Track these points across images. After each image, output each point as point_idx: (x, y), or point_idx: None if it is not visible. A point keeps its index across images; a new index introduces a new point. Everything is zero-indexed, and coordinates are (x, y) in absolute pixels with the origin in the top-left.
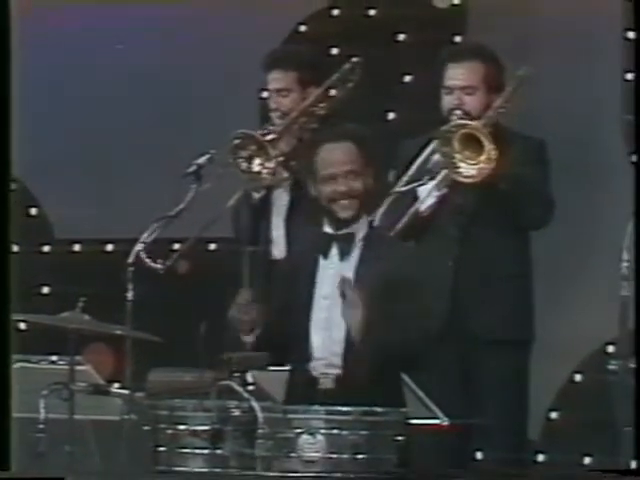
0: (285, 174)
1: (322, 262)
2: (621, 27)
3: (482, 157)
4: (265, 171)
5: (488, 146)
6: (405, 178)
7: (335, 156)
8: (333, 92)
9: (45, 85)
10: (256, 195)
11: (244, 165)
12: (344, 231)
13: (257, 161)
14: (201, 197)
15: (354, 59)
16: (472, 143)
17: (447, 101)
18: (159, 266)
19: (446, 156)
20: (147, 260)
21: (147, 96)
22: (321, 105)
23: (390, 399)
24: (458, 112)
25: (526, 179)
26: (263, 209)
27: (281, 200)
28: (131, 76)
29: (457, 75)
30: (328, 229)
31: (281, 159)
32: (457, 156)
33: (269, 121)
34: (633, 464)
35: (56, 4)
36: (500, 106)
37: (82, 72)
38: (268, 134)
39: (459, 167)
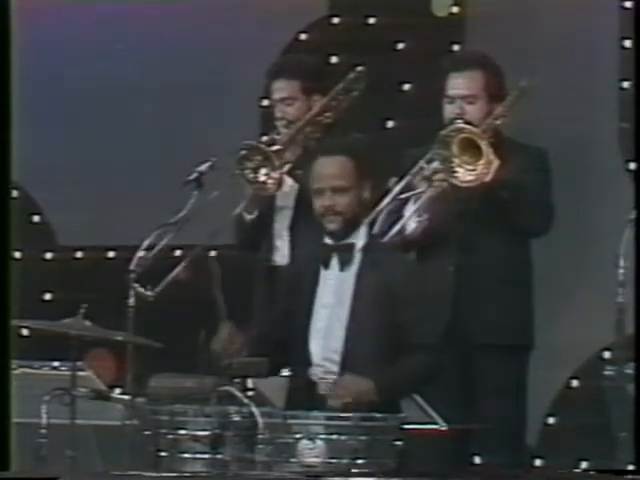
0: (290, 183)
1: (323, 272)
2: (618, 36)
3: (480, 162)
4: (270, 181)
5: (486, 151)
6: (404, 186)
7: (324, 170)
8: (337, 101)
9: (46, 91)
10: (258, 208)
11: (250, 175)
12: (344, 241)
13: (263, 171)
14: (204, 204)
15: (359, 68)
16: (471, 148)
17: (449, 110)
18: (149, 293)
19: (444, 160)
20: (137, 286)
21: (149, 101)
22: (326, 114)
23: (388, 405)
24: (460, 121)
25: (526, 187)
26: (268, 218)
27: (285, 209)
28: (132, 82)
29: (458, 84)
30: (328, 239)
31: (286, 169)
32: (455, 160)
33: (274, 130)
34: (629, 468)
35: (57, 7)
36: (501, 114)
37: (83, 78)
38: (274, 144)
39: (457, 171)
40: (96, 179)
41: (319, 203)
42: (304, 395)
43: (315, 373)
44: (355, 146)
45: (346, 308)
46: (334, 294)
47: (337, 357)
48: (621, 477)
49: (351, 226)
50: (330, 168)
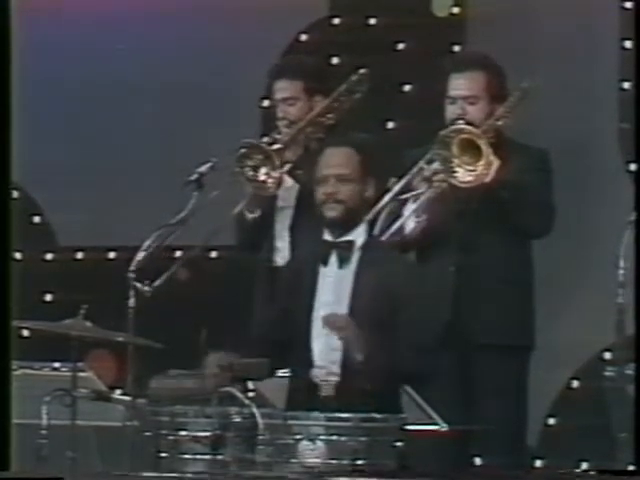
0: (291, 183)
1: (322, 270)
2: (618, 36)
3: (480, 163)
4: (270, 180)
5: (486, 152)
6: (404, 185)
7: (331, 159)
8: (339, 102)
9: (46, 92)
10: (258, 208)
11: (250, 174)
12: (343, 238)
13: (263, 170)
14: (204, 205)
15: (362, 70)
16: (471, 149)
17: (450, 111)
18: (146, 288)
19: (444, 160)
20: (134, 281)
21: (149, 101)
22: (328, 115)
23: (389, 406)
24: (461, 122)
25: (527, 188)
26: (268, 217)
27: (286, 209)
28: (132, 82)
29: (460, 85)
30: (327, 236)
31: (287, 168)
32: (455, 161)
33: (276, 130)
34: (629, 468)
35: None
36: (502, 115)
37: (83, 79)
38: (274, 143)
39: (457, 172)
40: (96, 180)
41: (322, 190)
42: (305, 395)
43: (316, 373)
44: (361, 141)
45: (345, 306)
46: (333, 292)
47: (337, 356)
48: (621, 477)
49: (350, 218)
50: (336, 157)
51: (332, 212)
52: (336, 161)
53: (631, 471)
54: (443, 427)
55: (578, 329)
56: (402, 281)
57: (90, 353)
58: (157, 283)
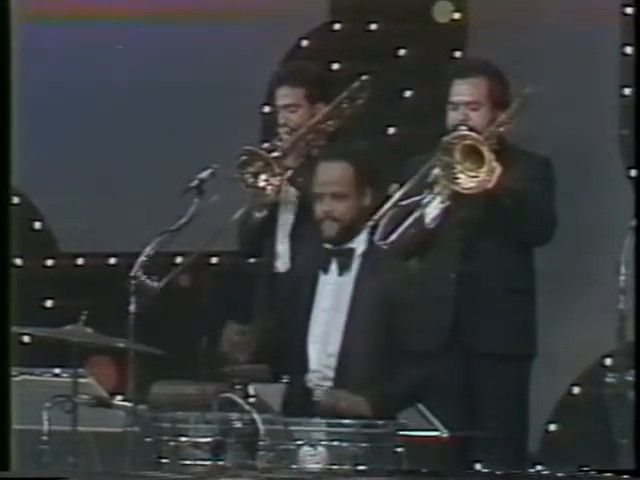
0: (292, 189)
1: (322, 277)
2: (619, 42)
3: (482, 169)
4: (270, 187)
5: (489, 158)
6: (406, 192)
7: (325, 176)
8: (341, 109)
9: (47, 98)
10: (258, 214)
11: (250, 181)
12: (343, 246)
13: (263, 177)
14: (204, 211)
15: (363, 77)
16: (473, 155)
17: (452, 117)
18: (155, 284)
19: (447, 166)
20: (144, 277)
21: (150, 108)
22: (329, 122)
23: (388, 413)
24: (463, 127)
25: (529, 195)
26: (268, 224)
27: (286, 215)
28: (134, 89)
29: (462, 91)
30: (328, 244)
31: (287, 175)
32: (458, 167)
33: (276, 136)
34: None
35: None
36: (504, 121)
37: (83, 85)
38: (274, 151)
39: (459, 178)
40: (97, 185)
41: (319, 208)
42: (304, 401)
43: (312, 379)
44: (357, 152)
45: (343, 313)
46: (332, 299)
47: (333, 362)
48: (621, 477)
49: (348, 233)
50: (330, 174)
51: (329, 230)
52: (331, 178)
53: (632, 471)
54: (444, 433)
55: (579, 335)
56: (403, 288)
57: (91, 359)
58: (157, 289)
